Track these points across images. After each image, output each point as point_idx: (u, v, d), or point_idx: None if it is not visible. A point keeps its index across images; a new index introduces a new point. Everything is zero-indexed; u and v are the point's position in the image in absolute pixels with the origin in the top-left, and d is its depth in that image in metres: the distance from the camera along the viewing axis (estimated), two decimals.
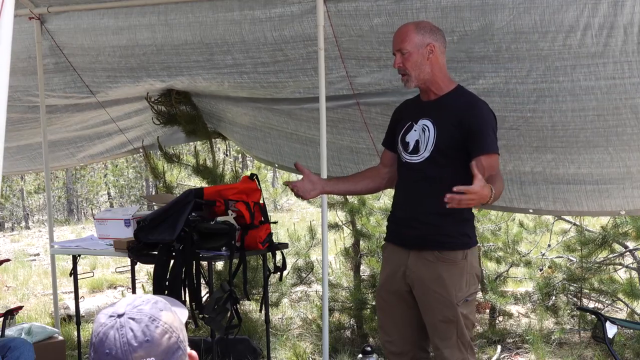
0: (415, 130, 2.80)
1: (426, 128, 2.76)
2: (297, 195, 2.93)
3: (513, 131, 3.63)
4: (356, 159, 4.31)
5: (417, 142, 2.78)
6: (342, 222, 5.82)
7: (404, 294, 2.86)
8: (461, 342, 2.76)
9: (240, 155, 16.43)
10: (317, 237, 6.04)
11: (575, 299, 5.34)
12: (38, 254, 11.91)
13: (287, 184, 2.97)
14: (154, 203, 5.89)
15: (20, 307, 4.12)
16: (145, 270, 7.26)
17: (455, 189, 2.44)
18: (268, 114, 4.62)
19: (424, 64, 2.74)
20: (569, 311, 5.23)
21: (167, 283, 3.51)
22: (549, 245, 6.03)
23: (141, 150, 5.81)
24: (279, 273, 3.91)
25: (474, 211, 2.95)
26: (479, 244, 5.21)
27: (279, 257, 3.86)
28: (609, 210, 4.00)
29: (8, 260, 5.01)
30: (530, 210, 4.17)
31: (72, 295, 4.83)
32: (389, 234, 2.98)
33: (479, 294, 5.37)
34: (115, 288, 8.10)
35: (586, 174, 3.72)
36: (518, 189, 3.96)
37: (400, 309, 2.89)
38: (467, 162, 2.63)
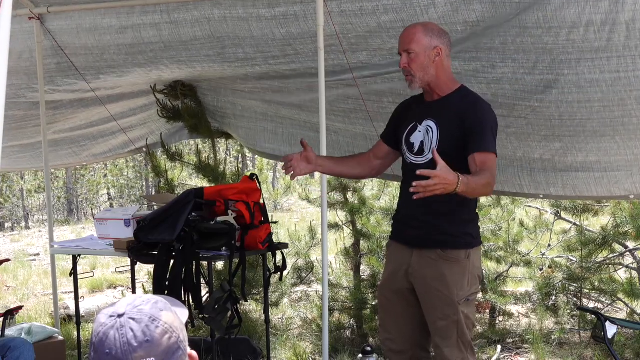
0: (419, 131, 2.81)
1: (430, 129, 2.77)
2: (287, 169, 2.86)
3: (522, 120, 3.67)
4: (370, 146, 4.34)
5: (421, 142, 2.79)
6: (342, 222, 5.82)
7: (405, 292, 2.87)
8: (462, 341, 2.76)
9: (240, 155, 16.44)
10: (317, 237, 6.04)
11: (575, 299, 5.34)
12: (38, 254, 11.91)
13: (284, 159, 2.90)
14: (154, 203, 5.89)
15: (20, 307, 4.11)
16: (145, 270, 7.25)
17: (418, 172, 2.42)
18: (278, 106, 4.65)
19: (430, 66, 2.75)
20: (569, 311, 5.23)
21: (167, 283, 3.51)
22: (549, 245, 6.03)
23: (144, 149, 5.82)
24: (279, 273, 3.91)
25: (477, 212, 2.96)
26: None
27: (279, 257, 3.86)
28: (618, 195, 4.05)
29: (8, 260, 5.00)
30: (541, 195, 4.23)
31: (72, 295, 4.82)
32: (393, 232, 3.00)
33: (479, 294, 5.38)
34: (115, 288, 8.10)
35: (594, 161, 3.77)
36: (528, 176, 4.01)
37: (401, 307, 2.90)
38: (465, 161, 2.65)
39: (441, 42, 2.77)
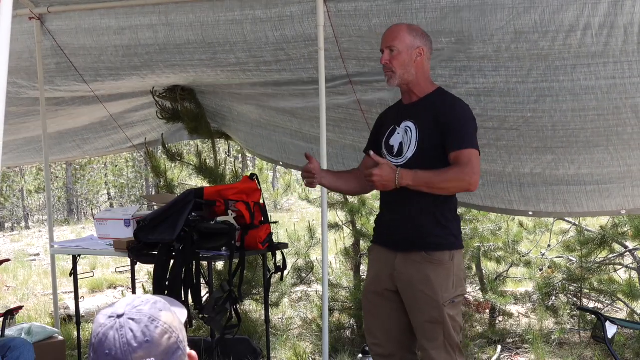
0: (398, 133, 2.82)
1: (409, 129, 2.78)
2: (309, 178, 2.89)
3: (513, 131, 3.63)
4: (359, 157, 4.31)
5: (400, 144, 2.80)
6: (342, 222, 5.82)
7: (390, 295, 2.85)
8: (448, 343, 2.75)
9: (240, 155, 16.43)
10: (317, 237, 6.05)
11: (575, 299, 5.34)
12: (38, 254, 11.92)
13: (308, 155, 2.91)
14: (154, 203, 5.89)
15: (20, 307, 4.12)
16: (145, 270, 7.26)
17: (371, 155, 2.67)
18: (272, 112, 4.65)
19: (411, 66, 2.77)
20: (569, 311, 5.23)
21: (167, 283, 3.52)
22: (549, 245, 6.03)
23: (146, 145, 5.84)
24: (279, 273, 3.91)
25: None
26: (479, 244, 5.23)
27: (279, 257, 3.87)
28: (609, 210, 4.00)
29: (8, 260, 5.01)
30: (530, 213, 4.16)
31: (72, 295, 4.83)
32: (375, 236, 2.99)
33: (479, 294, 5.38)
34: (115, 288, 8.11)
35: (586, 174, 3.72)
36: (518, 191, 3.96)
37: (386, 310, 2.88)
38: (447, 161, 2.65)
39: (424, 44, 2.79)
